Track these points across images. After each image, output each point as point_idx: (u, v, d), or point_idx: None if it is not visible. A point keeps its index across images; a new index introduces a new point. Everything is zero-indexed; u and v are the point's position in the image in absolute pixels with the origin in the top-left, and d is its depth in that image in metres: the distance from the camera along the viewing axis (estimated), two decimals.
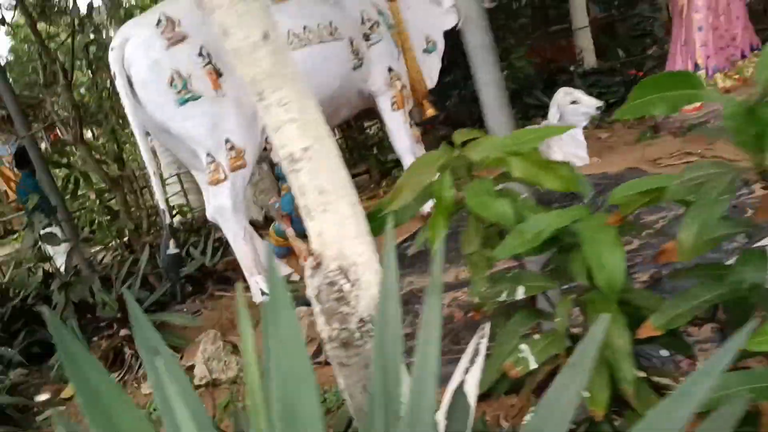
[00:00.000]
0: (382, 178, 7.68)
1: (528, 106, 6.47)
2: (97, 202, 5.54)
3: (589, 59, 7.60)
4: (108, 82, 4.59)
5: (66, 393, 3.57)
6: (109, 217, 5.34)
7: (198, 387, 3.10)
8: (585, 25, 7.73)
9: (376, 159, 7.82)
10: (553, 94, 6.46)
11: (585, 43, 7.74)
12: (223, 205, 3.48)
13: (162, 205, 3.55)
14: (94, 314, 3.60)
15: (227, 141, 3.48)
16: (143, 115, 3.49)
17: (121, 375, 3.46)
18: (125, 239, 5.35)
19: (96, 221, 5.98)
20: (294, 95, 1.17)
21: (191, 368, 3.25)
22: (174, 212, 3.54)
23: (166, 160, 7.90)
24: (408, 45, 4.44)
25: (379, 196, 5.99)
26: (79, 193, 5.72)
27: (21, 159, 6.62)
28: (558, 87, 6.50)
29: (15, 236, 10.98)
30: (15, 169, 10.43)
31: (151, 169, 3.54)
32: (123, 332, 3.41)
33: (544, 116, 6.19)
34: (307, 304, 3.53)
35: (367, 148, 8.94)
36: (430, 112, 4.71)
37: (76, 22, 4.32)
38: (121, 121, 4.79)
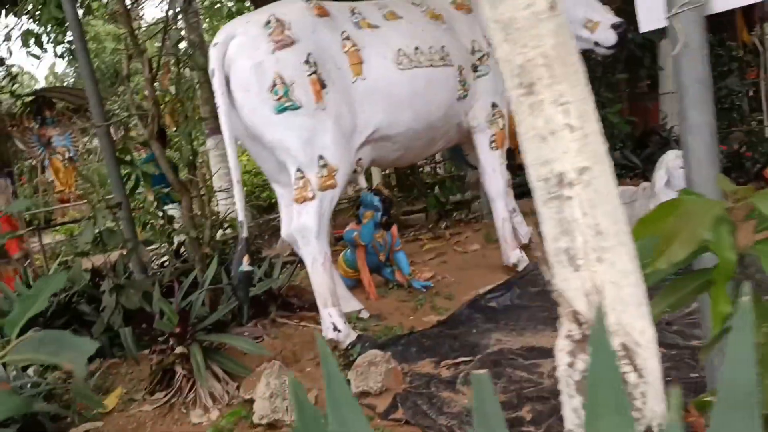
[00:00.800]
0: (439, 219, 7.39)
1: (616, 165, 6.07)
2: (155, 204, 5.31)
3: (673, 125, 7.26)
4: (195, 80, 4.40)
5: (109, 402, 3.25)
6: (163, 222, 5.10)
7: (256, 426, 2.74)
8: (673, 91, 7.38)
9: (436, 199, 7.52)
10: (641, 154, 6.10)
11: (670, 108, 7.40)
12: (307, 226, 3.18)
13: (241, 217, 3.26)
14: (148, 324, 3.29)
15: (321, 157, 3.20)
16: (235, 118, 3.24)
17: (169, 396, 3.12)
18: (174, 247, 5.09)
19: (150, 224, 5.75)
20: (576, 94, 0.83)
21: (249, 402, 2.89)
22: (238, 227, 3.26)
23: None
24: None
25: (445, 238, 5.65)
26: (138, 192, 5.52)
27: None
28: (649, 149, 6.15)
29: (56, 228, 10.92)
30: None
31: (235, 176, 3.27)
32: (179, 350, 3.08)
33: (633, 177, 5.81)
34: (379, 346, 3.18)
35: (424, 186, 8.66)
36: None
37: (170, 13, 4.17)
38: (201, 125, 4.58)
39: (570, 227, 0.84)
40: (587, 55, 6.11)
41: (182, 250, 4.61)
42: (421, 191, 8.42)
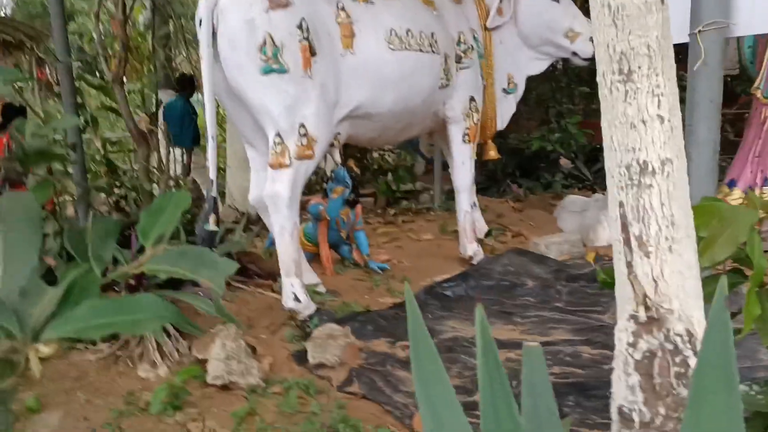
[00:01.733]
0: (388, 205, 7.42)
1: (565, 174, 6.32)
2: (102, 151, 5.08)
3: None
4: (172, 28, 4.20)
5: (47, 348, 3.09)
6: (106, 171, 4.88)
7: (209, 385, 2.68)
8: None
9: (387, 185, 7.54)
10: (592, 168, 6.33)
11: None
12: (280, 193, 3.12)
13: (212, 174, 3.17)
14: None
15: (302, 126, 3.14)
16: (218, 74, 3.13)
17: (114, 348, 2.99)
18: (115, 198, 4.88)
19: (95, 172, 5.50)
20: (670, 88, 0.86)
21: (202, 362, 2.82)
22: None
23: None
24: (491, 80, 4.21)
25: (398, 225, 5.67)
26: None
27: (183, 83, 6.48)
28: (600, 164, 6.39)
29: None
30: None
31: (210, 131, 3.17)
32: None
33: (582, 188, 6.03)
34: (337, 321, 3.17)
35: (376, 173, 8.67)
36: (493, 154, 4.49)
37: None
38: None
39: (646, 215, 0.86)
40: (553, 65, 6.31)
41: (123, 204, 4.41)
42: (373, 176, 8.42)
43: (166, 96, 8.41)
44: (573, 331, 3.03)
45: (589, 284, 3.58)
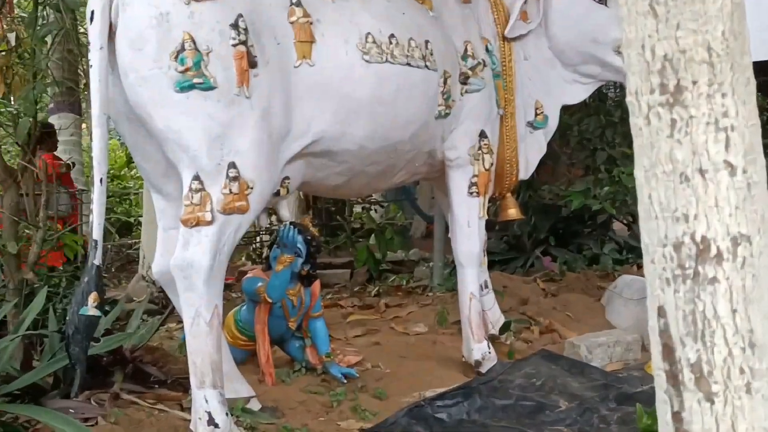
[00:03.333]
0: (369, 280, 7.33)
1: (619, 246, 6.30)
2: None
3: None
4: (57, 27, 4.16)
5: None
6: None
7: None
8: None
9: (368, 252, 7.46)
10: None
11: None
12: (195, 262, 3.02)
13: (96, 233, 3.05)
14: None
15: (232, 166, 3.08)
16: (114, 87, 3.13)
17: None
18: None
19: None
20: (745, 116, 0.73)
21: None
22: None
23: None
24: (511, 109, 4.19)
25: (379, 310, 5.56)
26: None
27: None
28: None
29: None
30: None
31: (98, 171, 3.09)
32: None
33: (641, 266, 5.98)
34: None
35: (355, 234, 8.62)
36: (513, 213, 4.43)
37: None
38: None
39: (707, 328, 0.72)
40: (602, 91, 6.32)
41: None
42: (350, 239, 8.36)
43: (65, 121, 8.43)
44: None
45: (651, 407, 3.42)
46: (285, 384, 3.86)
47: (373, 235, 7.77)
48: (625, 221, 6.97)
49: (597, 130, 6.52)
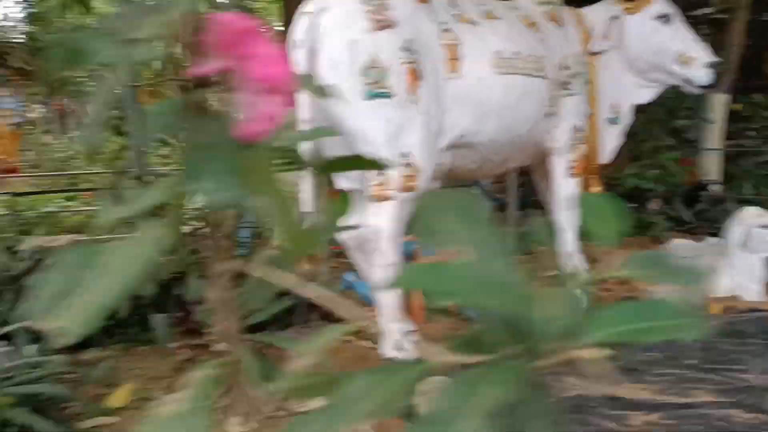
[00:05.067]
0: None
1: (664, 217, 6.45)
2: None
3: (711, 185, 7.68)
4: None
5: (118, 399, 3.29)
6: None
7: None
8: (718, 148, 7.78)
9: None
10: (692, 209, 6.48)
11: (711, 166, 7.81)
12: (381, 228, 3.36)
13: None
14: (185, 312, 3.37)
15: (406, 155, 3.37)
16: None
17: None
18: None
19: None
20: None
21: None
22: None
23: None
24: (595, 109, 4.44)
25: None
26: None
27: None
28: (700, 204, 6.54)
29: None
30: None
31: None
32: (221, 346, 3.15)
33: (688, 232, 6.16)
34: None
35: None
36: (597, 190, 4.64)
37: None
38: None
39: None
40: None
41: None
42: None
43: None
44: (718, 392, 3.19)
45: (721, 339, 3.69)
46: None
47: None
48: (660, 198, 7.11)
49: (642, 126, 6.70)
